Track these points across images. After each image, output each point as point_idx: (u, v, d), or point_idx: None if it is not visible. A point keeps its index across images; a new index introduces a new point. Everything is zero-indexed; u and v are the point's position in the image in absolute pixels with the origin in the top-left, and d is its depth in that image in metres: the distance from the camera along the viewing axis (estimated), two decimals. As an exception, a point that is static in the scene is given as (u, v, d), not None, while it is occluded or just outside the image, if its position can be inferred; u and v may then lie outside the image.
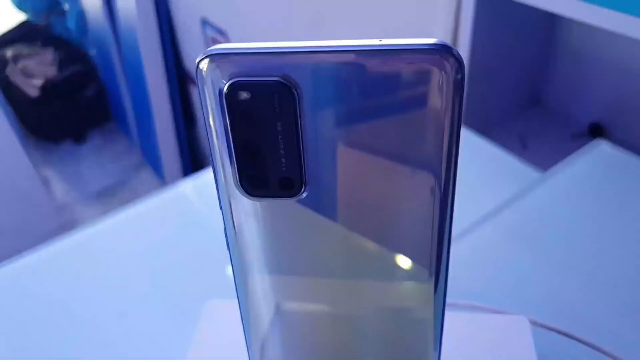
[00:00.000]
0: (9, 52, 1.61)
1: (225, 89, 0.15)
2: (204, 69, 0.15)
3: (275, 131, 0.16)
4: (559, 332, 0.28)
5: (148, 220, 0.45)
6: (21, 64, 1.59)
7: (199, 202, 0.47)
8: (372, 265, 0.19)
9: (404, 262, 0.18)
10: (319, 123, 0.16)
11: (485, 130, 0.60)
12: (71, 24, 1.64)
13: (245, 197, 0.17)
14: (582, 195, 0.42)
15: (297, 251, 0.19)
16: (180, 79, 1.46)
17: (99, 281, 0.39)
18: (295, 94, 0.15)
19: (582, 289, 0.35)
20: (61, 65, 1.61)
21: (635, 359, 0.27)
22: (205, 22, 1.19)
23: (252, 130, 0.16)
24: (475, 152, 0.49)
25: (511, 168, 0.47)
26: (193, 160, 1.53)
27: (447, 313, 0.28)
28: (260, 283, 0.20)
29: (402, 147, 0.16)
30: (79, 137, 1.71)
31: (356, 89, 0.15)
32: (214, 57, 0.15)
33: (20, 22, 1.70)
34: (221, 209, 0.18)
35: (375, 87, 0.15)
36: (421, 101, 0.15)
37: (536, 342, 0.27)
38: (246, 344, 0.23)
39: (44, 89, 1.56)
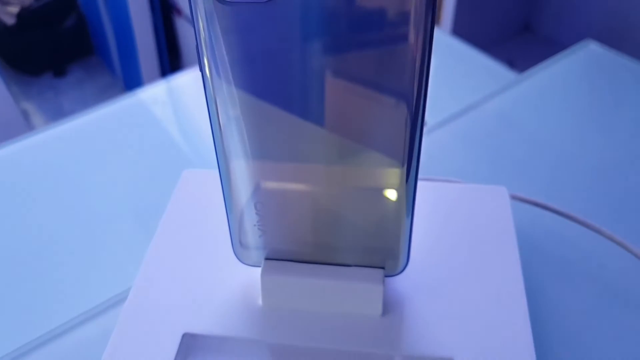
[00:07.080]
0: (-18, -23, 1.53)
1: None
2: None
3: None
4: (537, 204, 0.28)
5: (112, 121, 0.43)
6: (-4, -11, 1.51)
7: (162, 105, 0.46)
8: (347, 152, 0.19)
9: (377, 155, 0.19)
10: None
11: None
12: (48, -52, 1.56)
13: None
14: (568, 87, 0.42)
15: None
16: (164, 10, 1.41)
17: (61, 178, 0.38)
18: None
19: (562, 167, 0.35)
20: (38, -8, 1.54)
21: (612, 227, 0.28)
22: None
23: None
24: (456, 55, 0.48)
25: (493, 70, 0.46)
26: (177, 95, 1.50)
27: (424, 183, 0.28)
28: (236, 121, 0.19)
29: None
30: (59, 71, 1.66)
31: None
32: None
33: (-6, -55, 1.61)
34: (193, 22, 0.17)
35: None
36: None
37: (514, 216, 0.27)
38: (225, 209, 0.22)
39: (20, 16, 1.50)
